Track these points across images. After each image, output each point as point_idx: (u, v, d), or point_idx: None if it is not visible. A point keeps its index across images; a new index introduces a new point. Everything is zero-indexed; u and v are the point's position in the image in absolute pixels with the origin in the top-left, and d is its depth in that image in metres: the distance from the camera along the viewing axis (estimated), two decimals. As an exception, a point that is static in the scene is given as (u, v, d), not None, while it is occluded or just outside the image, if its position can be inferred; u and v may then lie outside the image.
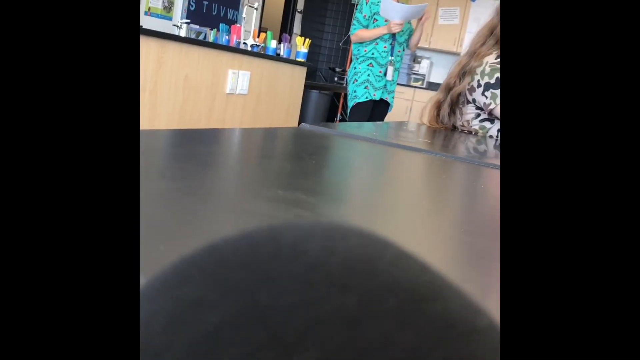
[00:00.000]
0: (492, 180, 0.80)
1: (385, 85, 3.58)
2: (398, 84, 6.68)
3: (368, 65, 3.51)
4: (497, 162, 1.00)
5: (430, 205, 0.60)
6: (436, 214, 0.55)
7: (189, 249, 0.14)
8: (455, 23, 6.45)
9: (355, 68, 3.56)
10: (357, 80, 3.54)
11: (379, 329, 0.10)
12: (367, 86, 3.53)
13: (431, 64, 6.87)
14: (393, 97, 3.72)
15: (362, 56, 3.52)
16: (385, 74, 3.54)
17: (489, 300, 0.32)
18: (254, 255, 0.12)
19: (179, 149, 0.68)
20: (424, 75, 6.77)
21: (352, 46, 3.61)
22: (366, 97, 3.53)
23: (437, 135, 1.42)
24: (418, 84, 6.69)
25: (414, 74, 6.80)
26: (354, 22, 3.48)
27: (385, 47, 3.48)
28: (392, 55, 3.51)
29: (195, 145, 0.71)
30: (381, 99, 3.59)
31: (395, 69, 3.56)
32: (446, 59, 6.82)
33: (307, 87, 4.70)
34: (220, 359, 0.10)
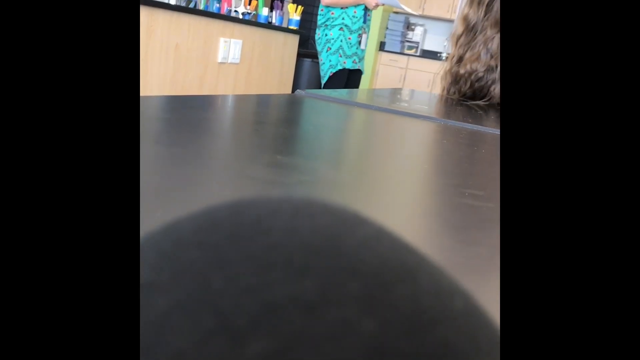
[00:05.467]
0: (492, 146, 0.79)
1: (356, 52, 3.45)
2: (391, 52, 6.64)
3: (339, 29, 3.36)
4: (497, 127, 0.99)
5: (429, 169, 0.59)
6: (435, 177, 0.55)
7: (182, 217, 0.13)
8: (449, -11, 6.36)
9: (327, 35, 3.39)
10: (330, 49, 3.39)
11: (337, 315, 0.09)
12: (340, 54, 3.39)
13: (425, 31, 6.78)
14: (364, 63, 3.61)
15: (332, 22, 3.37)
16: (359, 42, 3.43)
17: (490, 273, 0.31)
18: (213, 234, 0.11)
19: (172, 115, 0.66)
20: (418, 42, 6.68)
21: (319, 14, 3.43)
22: (341, 66, 3.40)
23: (432, 102, 1.40)
24: (412, 52, 6.61)
25: (408, 41, 6.71)
26: None
27: (355, 12, 3.34)
28: (364, 22, 3.41)
29: (188, 111, 0.69)
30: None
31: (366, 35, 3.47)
32: (440, 26, 6.74)
33: (300, 56, 4.64)
34: (167, 346, 0.09)
